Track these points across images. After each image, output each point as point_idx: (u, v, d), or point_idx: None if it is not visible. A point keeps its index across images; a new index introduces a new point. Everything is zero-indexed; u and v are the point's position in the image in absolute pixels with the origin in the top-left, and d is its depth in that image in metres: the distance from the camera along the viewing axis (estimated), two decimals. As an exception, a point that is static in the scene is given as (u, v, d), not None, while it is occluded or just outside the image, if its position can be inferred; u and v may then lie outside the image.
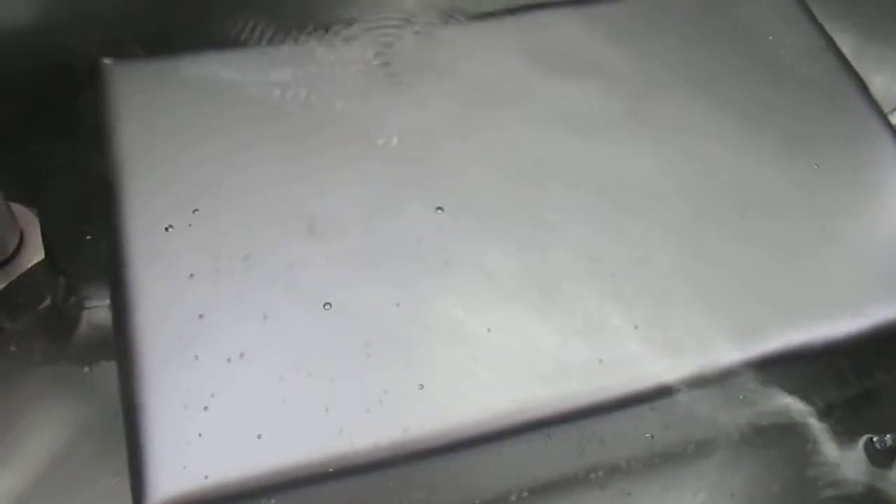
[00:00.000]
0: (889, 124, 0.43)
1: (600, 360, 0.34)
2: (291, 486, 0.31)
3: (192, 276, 0.34)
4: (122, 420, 0.32)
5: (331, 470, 0.31)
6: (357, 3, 0.43)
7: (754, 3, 0.47)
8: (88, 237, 0.38)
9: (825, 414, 0.38)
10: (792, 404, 0.38)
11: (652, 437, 0.37)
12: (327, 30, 0.42)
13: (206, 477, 0.30)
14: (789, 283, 0.37)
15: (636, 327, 0.35)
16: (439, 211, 0.37)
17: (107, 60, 0.40)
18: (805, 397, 0.38)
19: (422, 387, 0.33)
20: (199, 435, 0.31)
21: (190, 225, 0.35)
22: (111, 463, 0.33)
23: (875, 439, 0.39)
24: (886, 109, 0.44)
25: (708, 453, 0.38)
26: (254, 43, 0.42)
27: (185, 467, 0.30)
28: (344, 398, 0.32)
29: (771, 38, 0.46)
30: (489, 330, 0.34)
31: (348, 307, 0.34)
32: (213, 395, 0.32)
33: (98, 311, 0.36)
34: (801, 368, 0.38)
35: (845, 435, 0.39)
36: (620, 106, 0.42)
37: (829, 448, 0.38)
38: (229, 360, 0.32)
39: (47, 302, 0.36)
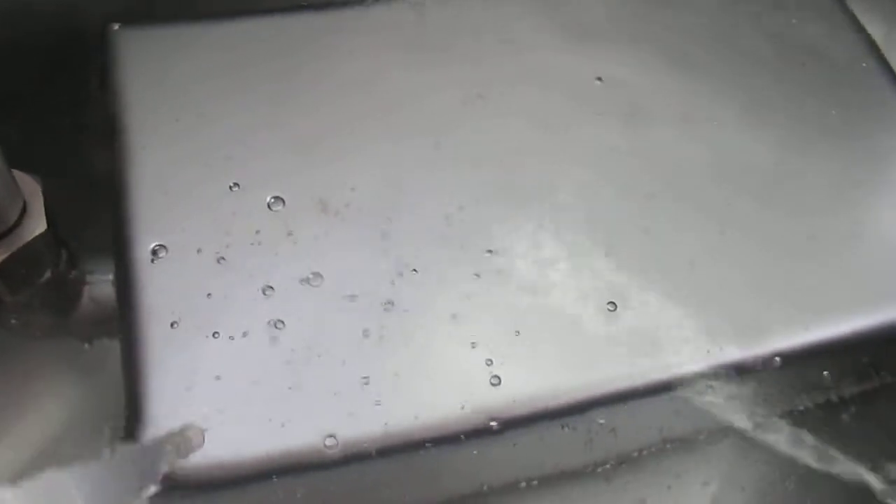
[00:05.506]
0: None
1: (616, 351, 0.34)
2: (296, 470, 0.31)
3: (199, 251, 0.33)
4: (122, 398, 0.31)
5: (339, 455, 0.31)
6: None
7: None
8: (93, 207, 0.37)
9: (842, 409, 0.38)
10: (808, 398, 0.38)
11: (664, 427, 0.37)
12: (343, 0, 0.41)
13: (208, 458, 0.30)
14: (811, 276, 0.37)
15: (653, 319, 0.34)
16: (455, 191, 0.36)
17: (115, 26, 0.39)
18: (822, 392, 0.37)
19: (434, 372, 0.32)
20: (203, 416, 0.30)
21: (200, 198, 0.35)
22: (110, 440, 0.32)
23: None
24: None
25: (720, 445, 0.38)
26: (266, 12, 0.41)
27: (188, 448, 0.30)
28: (353, 382, 0.32)
29: (794, 21, 0.45)
30: (504, 317, 0.34)
31: (360, 290, 0.34)
32: (218, 377, 0.31)
33: (101, 285, 0.36)
34: (819, 362, 0.37)
35: (862, 430, 0.38)
36: (644, 87, 0.41)
37: (845, 444, 0.37)
38: (232, 338, 0.32)
39: (49, 274, 0.35)
